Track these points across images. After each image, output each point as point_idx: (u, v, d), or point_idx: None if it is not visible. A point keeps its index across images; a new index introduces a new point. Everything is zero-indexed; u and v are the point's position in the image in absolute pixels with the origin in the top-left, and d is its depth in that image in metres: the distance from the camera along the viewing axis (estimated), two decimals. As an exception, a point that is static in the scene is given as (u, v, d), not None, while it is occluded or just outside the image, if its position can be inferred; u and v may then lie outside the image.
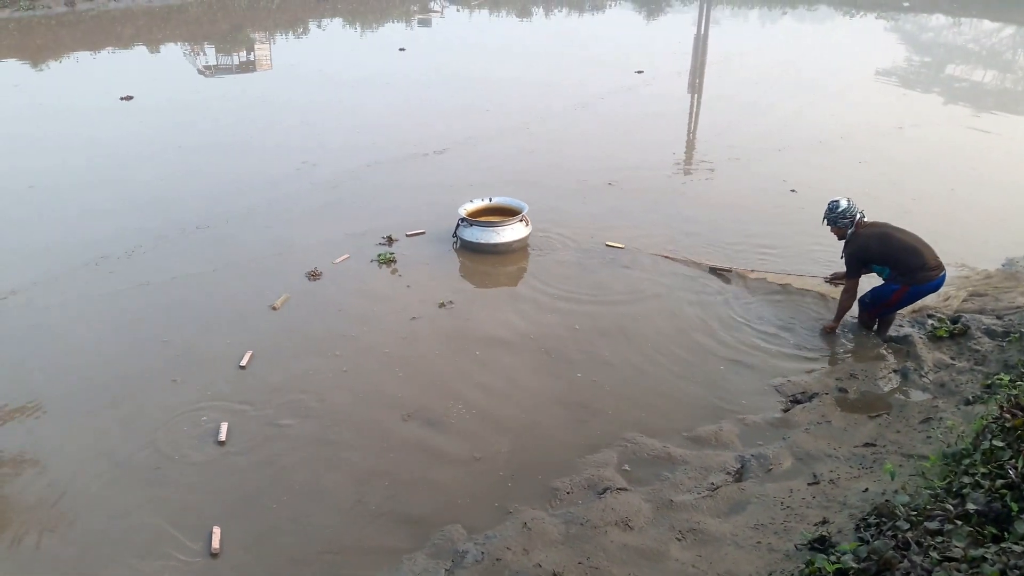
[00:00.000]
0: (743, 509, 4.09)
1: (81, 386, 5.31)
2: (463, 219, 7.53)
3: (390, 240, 7.68)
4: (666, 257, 7.34)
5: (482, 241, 7.42)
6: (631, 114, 13.09)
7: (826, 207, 5.91)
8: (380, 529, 4.09)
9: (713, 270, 7.10)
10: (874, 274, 5.89)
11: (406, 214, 8.31)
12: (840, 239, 5.96)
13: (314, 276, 6.93)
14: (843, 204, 5.80)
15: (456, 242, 7.65)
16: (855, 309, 6.08)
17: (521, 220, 7.53)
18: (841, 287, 6.11)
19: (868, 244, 5.69)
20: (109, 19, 21.69)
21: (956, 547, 2.68)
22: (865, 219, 5.84)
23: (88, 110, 12.73)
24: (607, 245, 7.61)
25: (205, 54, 18.30)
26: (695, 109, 14.01)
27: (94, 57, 17.20)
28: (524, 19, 26.62)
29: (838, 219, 5.82)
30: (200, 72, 16.33)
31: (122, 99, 13.20)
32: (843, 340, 6.00)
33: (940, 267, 5.64)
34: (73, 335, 5.98)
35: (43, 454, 4.64)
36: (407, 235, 7.84)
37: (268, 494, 4.34)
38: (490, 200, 7.96)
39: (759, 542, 3.78)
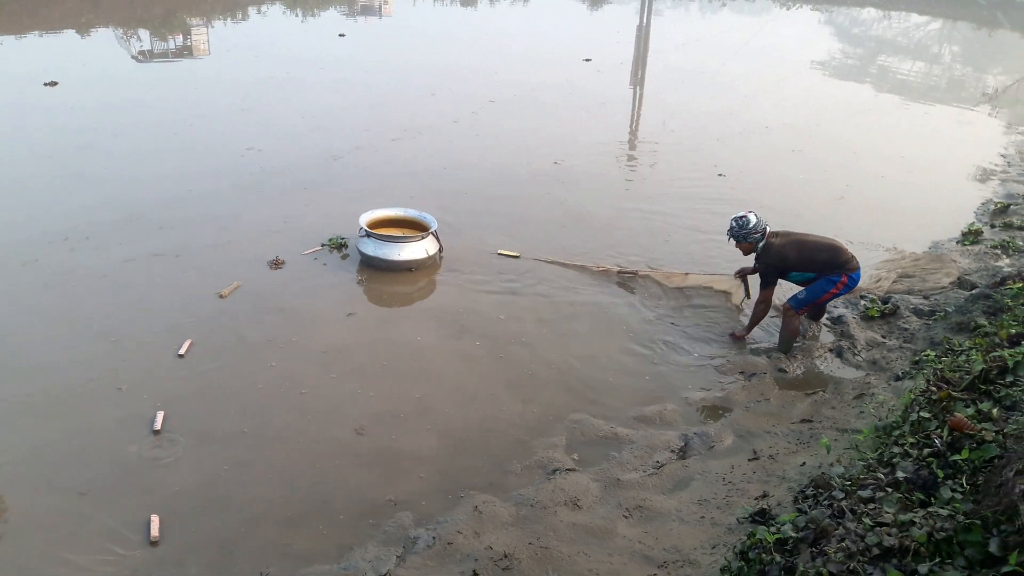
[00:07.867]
0: (687, 485, 4.20)
1: (9, 374, 5.05)
2: (365, 231, 6.77)
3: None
4: (569, 265, 6.95)
5: (380, 256, 6.71)
6: (575, 102, 13.18)
7: (732, 223, 5.62)
8: (329, 520, 4.03)
9: (612, 272, 6.87)
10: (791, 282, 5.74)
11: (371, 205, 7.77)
12: (747, 254, 5.77)
13: (276, 265, 6.69)
14: (752, 219, 5.53)
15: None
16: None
17: (427, 238, 6.85)
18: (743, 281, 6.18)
19: (785, 254, 5.49)
20: (35, 1, 20.71)
21: (887, 513, 2.82)
22: (770, 229, 5.63)
23: (8, 96, 12.09)
24: (499, 254, 7.13)
25: (140, 39, 17.66)
26: (637, 99, 14.20)
27: (18, 40, 16.43)
28: (468, 6, 26.50)
29: (749, 235, 5.55)
30: (134, 58, 15.76)
31: (46, 85, 12.63)
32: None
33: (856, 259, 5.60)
34: (15, 322, 5.68)
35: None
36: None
37: (208, 483, 4.21)
38: (395, 210, 7.24)
39: (703, 517, 3.90)
